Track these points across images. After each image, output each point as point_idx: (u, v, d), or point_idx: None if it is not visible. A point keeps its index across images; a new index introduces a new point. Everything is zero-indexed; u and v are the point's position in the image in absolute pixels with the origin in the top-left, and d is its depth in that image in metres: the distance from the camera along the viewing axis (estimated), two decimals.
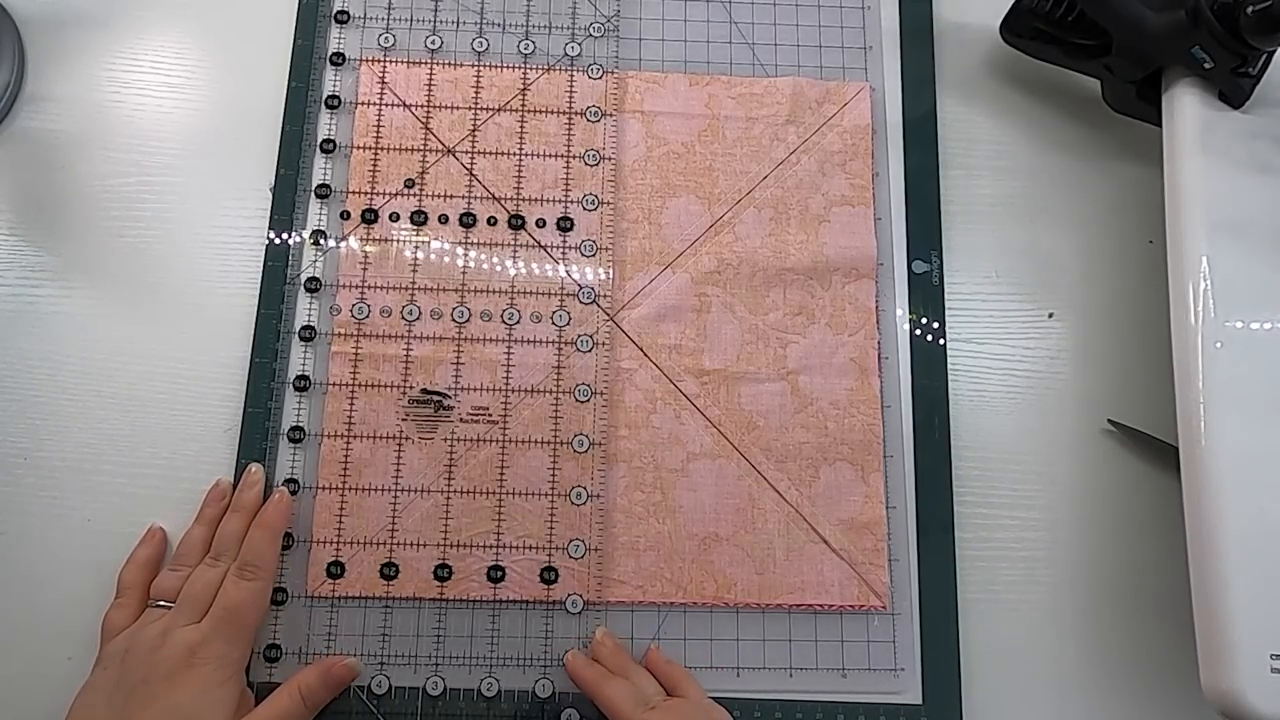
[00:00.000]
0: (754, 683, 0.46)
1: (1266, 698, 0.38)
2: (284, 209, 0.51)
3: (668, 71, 0.54)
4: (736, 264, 0.51)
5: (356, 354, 0.49)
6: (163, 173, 0.52)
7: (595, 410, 0.49)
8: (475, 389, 0.49)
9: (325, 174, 0.51)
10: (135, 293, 0.50)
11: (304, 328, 0.49)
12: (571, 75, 0.53)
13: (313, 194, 0.51)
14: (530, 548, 0.47)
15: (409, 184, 0.51)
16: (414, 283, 0.50)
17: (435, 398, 0.48)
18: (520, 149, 0.52)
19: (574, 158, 0.52)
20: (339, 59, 0.53)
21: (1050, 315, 0.52)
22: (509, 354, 0.49)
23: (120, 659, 0.41)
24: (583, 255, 0.51)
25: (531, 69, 0.53)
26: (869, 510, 0.48)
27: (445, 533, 0.47)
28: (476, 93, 0.53)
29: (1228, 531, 0.40)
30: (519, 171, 0.52)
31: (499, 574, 0.46)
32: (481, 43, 0.54)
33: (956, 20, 0.57)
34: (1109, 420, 0.51)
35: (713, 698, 0.45)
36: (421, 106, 0.52)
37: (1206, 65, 0.46)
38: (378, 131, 0.52)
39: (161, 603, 0.43)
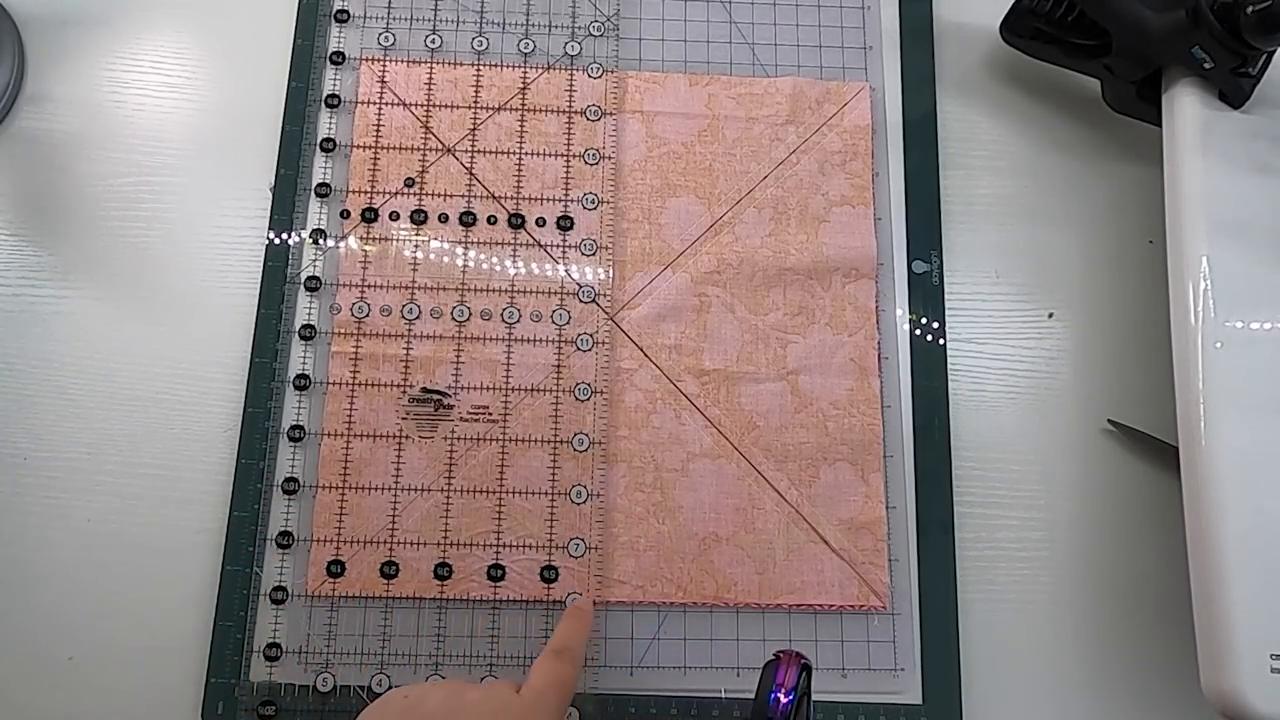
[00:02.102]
0: (754, 683, 0.46)
1: (1266, 698, 0.38)
2: (284, 208, 0.51)
3: (668, 71, 0.54)
4: (736, 264, 0.51)
5: (356, 353, 0.49)
6: (163, 173, 0.52)
7: (595, 409, 0.49)
8: (475, 388, 0.49)
9: (325, 173, 0.51)
10: (135, 293, 0.50)
11: (304, 327, 0.49)
12: (571, 74, 0.53)
13: (313, 193, 0.51)
14: (530, 547, 0.47)
15: (409, 183, 0.51)
16: (414, 282, 0.50)
17: (435, 397, 0.48)
18: (520, 148, 0.52)
19: (574, 157, 0.52)
20: (339, 58, 0.53)
21: (1050, 315, 0.52)
22: (509, 353, 0.49)
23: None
24: (583, 254, 0.51)
25: (531, 68, 0.53)
26: (869, 510, 0.48)
27: (445, 532, 0.47)
28: (476, 92, 0.53)
29: (1228, 531, 0.40)
30: (519, 171, 0.52)
31: (499, 573, 0.46)
32: (481, 42, 0.54)
33: (956, 20, 0.57)
34: (1109, 420, 0.51)
35: (713, 698, 0.45)
36: (421, 106, 0.52)
37: (1206, 65, 0.46)
38: (378, 131, 0.52)
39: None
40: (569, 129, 0.53)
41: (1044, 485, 0.50)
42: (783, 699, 0.36)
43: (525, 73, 0.53)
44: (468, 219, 0.51)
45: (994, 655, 0.47)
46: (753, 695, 0.45)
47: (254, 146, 0.52)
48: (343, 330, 0.49)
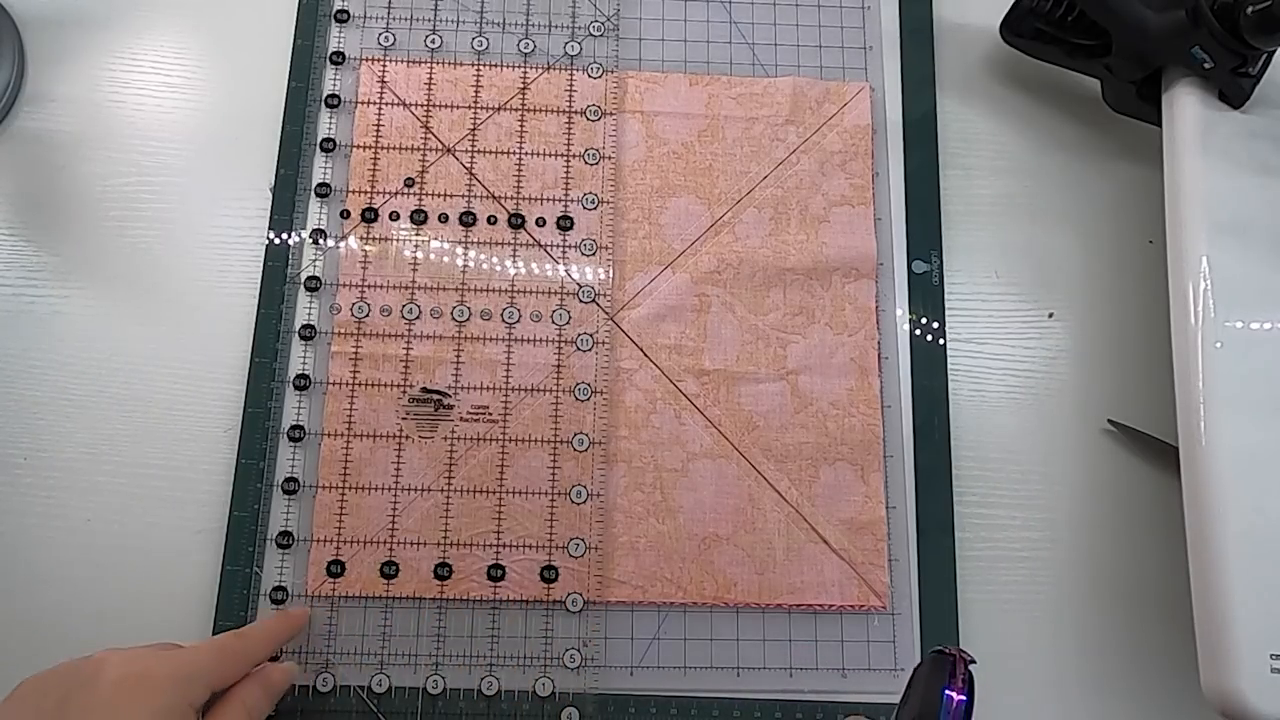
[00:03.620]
0: (754, 683, 0.46)
1: (1266, 698, 0.38)
2: (284, 208, 0.51)
3: (668, 71, 0.54)
4: (736, 264, 0.51)
5: (356, 353, 0.49)
6: (163, 173, 0.52)
7: (595, 409, 0.49)
8: (475, 388, 0.49)
9: (325, 173, 0.51)
10: (135, 293, 0.50)
11: (304, 327, 0.49)
12: (571, 74, 0.53)
13: (313, 193, 0.51)
14: (530, 546, 0.47)
15: (409, 183, 0.51)
16: (414, 282, 0.50)
17: (435, 397, 0.48)
18: (520, 148, 0.52)
19: (574, 157, 0.52)
20: (339, 58, 0.53)
21: (1050, 315, 0.52)
22: (509, 353, 0.49)
23: None
24: (583, 254, 0.51)
25: (531, 68, 0.53)
26: (869, 510, 0.48)
27: (445, 532, 0.47)
28: (476, 92, 0.53)
29: (1228, 531, 0.40)
30: (519, 170, 0.52)
31: (499, 573, 0.46)
32: (481, 42, 0.54)
33: (956, 20, 0.57)
34: (1109, 420, 0.51)
35: (713, 698, 0.45)
36: (421, 106, 0.52)
37: (1206, 65, 0.46)
38: (378, 131, 0.52)
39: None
40: (569, 129, 0.53)
41: (1044, 485, 0.50)
42: (956, 696, 0.32)
43: (525, 73, 0.53)
44: (468, 219, 0.51)
45: (994, 655, 0.47)
46: (753, 695, 0.45)
47: (254, 146, 0.52)
48: (343, 330, 0.49)
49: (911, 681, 0.33)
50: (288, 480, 0.47)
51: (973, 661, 0.32)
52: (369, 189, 0.51)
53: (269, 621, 0.44)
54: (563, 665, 0.45)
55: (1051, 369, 0.52)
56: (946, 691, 0.31)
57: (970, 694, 0.32)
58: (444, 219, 0.51)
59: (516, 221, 0.51)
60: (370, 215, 0.51)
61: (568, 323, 0.50)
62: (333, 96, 0.52)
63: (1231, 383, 0.42)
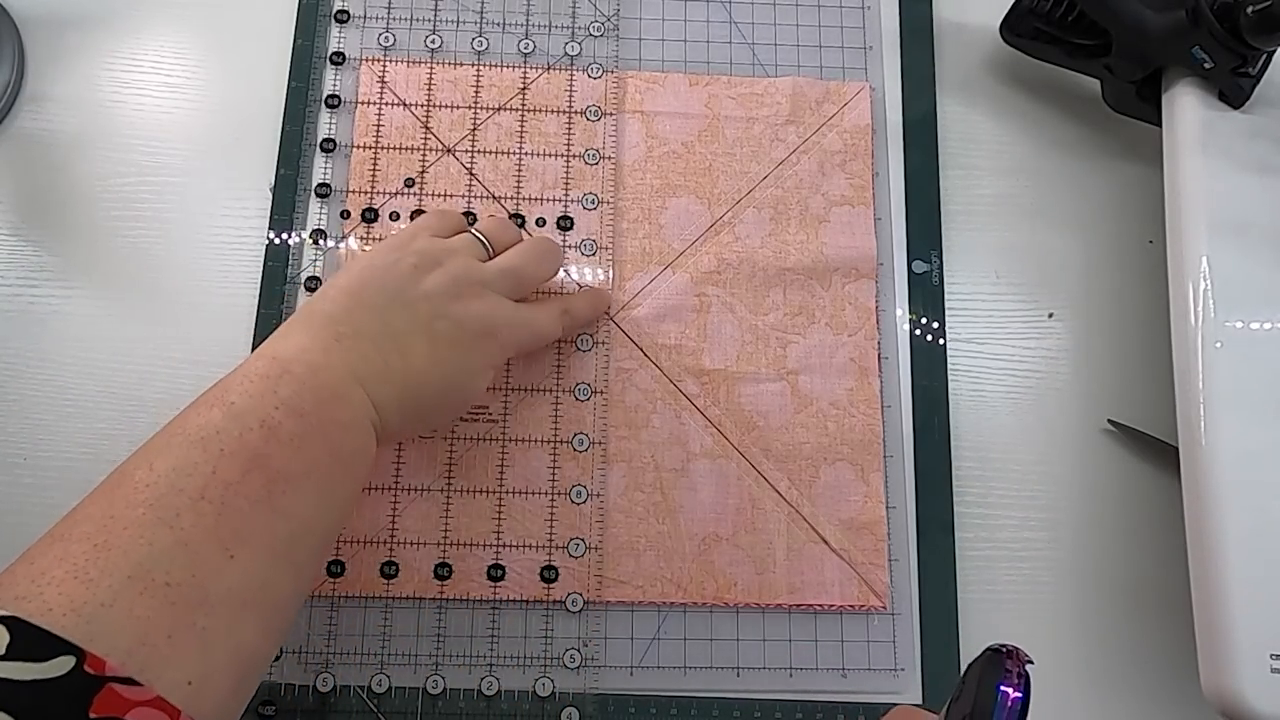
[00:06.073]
0: (754, 683, 0.46)
1: (1266, 698, 0.38)
2: (284, 209, 0.51)
3: (668, 71, 0.54)
4: (736, 264, 0.51)
5: None
6: (163, 173, 0.52)
7: (595, 409, 0.49)
8: None
9: (325, 173, 0.51)
10: (135, 293, 0.50)
11: None
12: (571, 75, 0.53)
13: (313, 193, 0.51)
14: (530, 547, 0.47)
15: (409, 183, 0.51)
16: None
17: None
18: (520, 148, 0.52)
19: (574, 157, 0.52)
20: (339, 58, 0.53)
21: (1050, 315, 0.52)
22: None
23: (430, 265, 0.41)
24: (583, 255, 0.51)
25: (531, 68, 0.53)
26: (869, 510, 0.48)
27: (445, 532, 0.47)
28: (476, 92, 0.53)
29: (1228, 531, 0.40)
30: (519, 171, 0.52)
31: (499, 573, 0.46)
32: (481, 42, 0.54)
33: (956, 20, 0.57)
34: (1109, 420, 0.51)
35: (713, 698, 0.45)
36: (421, 106, 0.52)
37: (1206, 65, 0.46)
38: (378, 131, 0.52)
39: (484, 240, 0.44)
40: (569, 129, 0.53)
41: (1044, 485, 0.50)
42: (1012, 693, 0.30)
43: (525, 73, 0.53)
44: (468, 219, 0.51)
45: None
46: (753, 695, 0.45)
47: (254, 146, 0.52)
48: None
49: (965, 678, 0.31)
50: None
51: (1029, 661, 0.31)
52: (369, 189, 0.51)
53: (588, 298, 0.49)
54: (563, 665, 0.45)
55: (1051, 369, 0.52)
56: (1001, 687, 0.30)
57: (1027, 693, 0.30)
58: None
59: (516, 221, 0.51)
60: (370, 215, 0.51)
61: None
62: (333, 97, 0.52)
63: (1231, 383, 0.42)
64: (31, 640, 0.27)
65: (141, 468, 0.33)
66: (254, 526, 0.33)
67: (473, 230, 0.45)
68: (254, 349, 0.48)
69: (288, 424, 0.35)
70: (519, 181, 0.52)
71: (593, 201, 0.51)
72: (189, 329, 0.49)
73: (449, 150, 0.52)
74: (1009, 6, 0.52)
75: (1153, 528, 0.49)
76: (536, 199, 0.51)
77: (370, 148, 0.52)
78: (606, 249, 0.51)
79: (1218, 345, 0.42)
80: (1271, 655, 0.38)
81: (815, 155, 0.53)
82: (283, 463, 0.34)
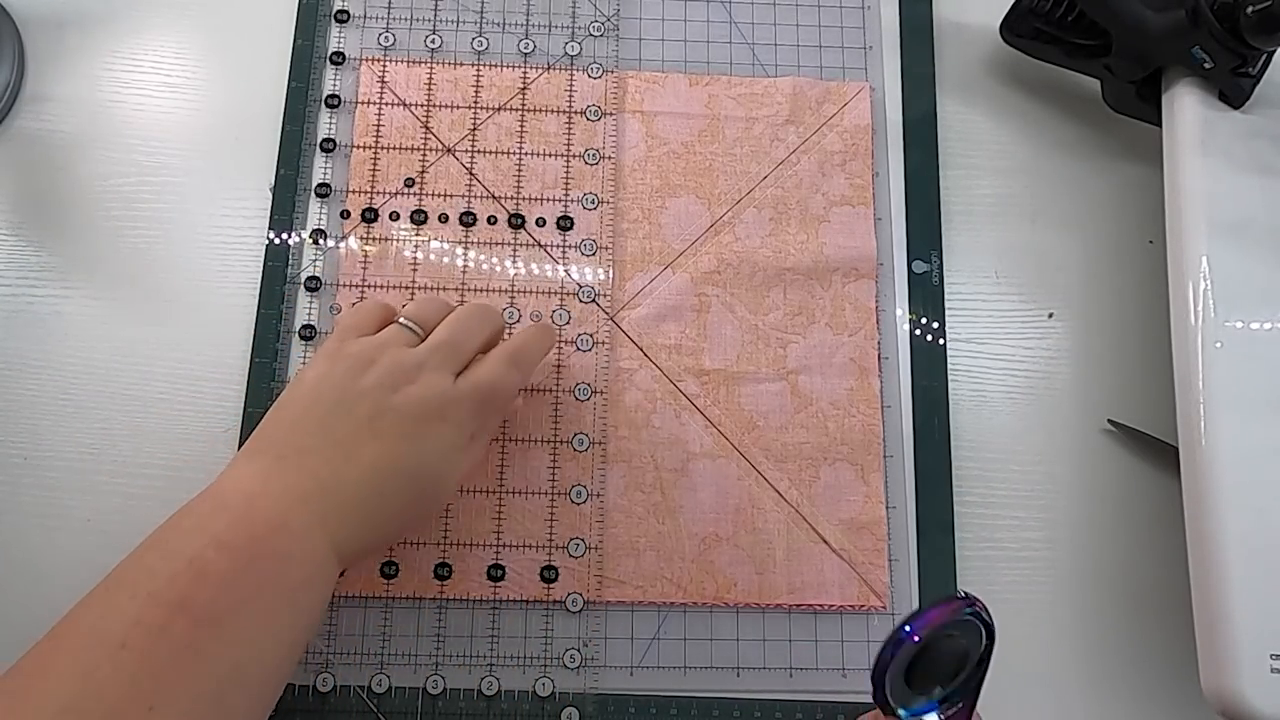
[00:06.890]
0: (754, 683, 0.46)
1: (1266, 698, 0.38)
2: (284, 209, 0.51)
3: (668, 71, 0.54)
4: (736, 264, 0.51)
5: None
6: (163, 173, 0.52)
7: (595, 409, 0.49)
8: None
9: (325, 173, 0.51)
10: (135, 293, 0.50)
11: (304, 327, 0.49)
12: (571, 75, 0.53)
13: (313, 193, 0.51)
14: (530, 547, 0.47)
15: (409, 183, 0.51)
16: (414, 282, 0.50)
17: None
18: (520, 148, 0.52)
19: (574, 157, 0.52)
20: (339, 58, 0.53)
21: (1050, 315, 0.52)
22: None
23: (363, 365, 0.39)
24: (583, 255, 0.51)
25: (531, 68, 0.53)
26: (869, 510, 0.48)
27: (445, 532, 0.47)
28: (476, 92, 0.53)
29: (1228, 531, 0.40)
30: (519, 171, 0.52)
31: (499, 573, 0.46)
32: (481, 42, 0.54)
33: (956, 20, 0.57)
34: (1109, 420, 0.51)
35: (713, 698, 0.45)
36: (421, 106, 0.52)
37: (1206, 65, 0.46)
38: (378, 131, 0.52)
39: (411, 326, 0.42)
40: (569, 129, 0.53)
41: (1044, 485, 0.50)
42: (917, 638, 0.31)
43: (525, 73, 0.53)
44: (468, 219, 0.51)
45: (994, 655, 0.47)
46: (753, 695, 0.45)
47: (254, 146, 0.52)
48: None
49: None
50: None
51: (987, 622, 0.33)
52: (369, 189, 0.51)
53: (531, 337, 0.46)
54: (563, 665, 0.45)
55: (1051, 369, 0.52)
56: (906, 629, 0.32)
57: (990, 635, 0.33)
58: (444, 219, 0.51)
59: (516, 221, 0.51)
60: (370, 215, 0.51)
61: (568, 323, 0.50)
62: (333, 96, 0.52)
63: (1231, 383, 0.42)
64: None
65: (81, 609, 0.33)
66: (178, 675, 0.31)
67: (399, 319, 0.42)
68: (253, 349, 0.49)
69: (219, 561, 0.34)
70: (519, 181, 0.52)
71: (593, 201, 0.51)
72: (189, 329, 0.49)
73: (449, 150, 0.52)
74: (1009, 6, 0.52)
75: (1153, 528, 0.49)
76: (536, 199, 0.51)
77: (370, 148, 0.52)
78: (606, 249, 0.51)
79: (1218, 345, 0.42)
80: (1271, 655, 0.38)
81: (815, 155, 0.53)
82: (210, 604, 0.33)
